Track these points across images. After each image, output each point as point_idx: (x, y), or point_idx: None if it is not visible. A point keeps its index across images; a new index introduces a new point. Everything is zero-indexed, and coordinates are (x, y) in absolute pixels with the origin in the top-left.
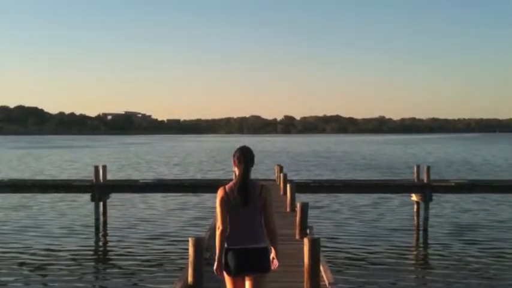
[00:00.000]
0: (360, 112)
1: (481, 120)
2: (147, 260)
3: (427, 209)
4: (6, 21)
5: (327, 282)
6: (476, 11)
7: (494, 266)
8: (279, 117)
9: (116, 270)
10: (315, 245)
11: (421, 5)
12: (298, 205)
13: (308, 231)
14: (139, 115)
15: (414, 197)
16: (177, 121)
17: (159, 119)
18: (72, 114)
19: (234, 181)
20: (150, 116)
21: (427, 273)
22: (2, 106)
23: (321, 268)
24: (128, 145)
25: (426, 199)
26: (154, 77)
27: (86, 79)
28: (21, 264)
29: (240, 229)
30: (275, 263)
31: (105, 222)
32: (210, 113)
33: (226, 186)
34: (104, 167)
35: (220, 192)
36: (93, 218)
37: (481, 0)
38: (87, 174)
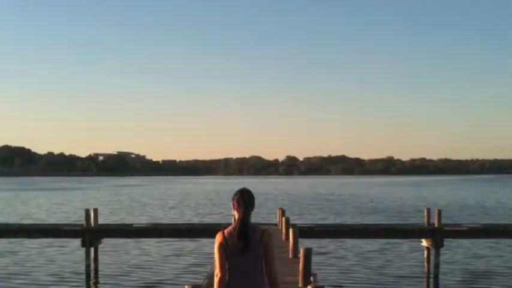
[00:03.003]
0: (366, 152)
1: (496, 160)
2: None
3: (438, 255)
4: None
5: None
6: (491, 47)
7: None
8: (281, 158)
9: None
10: None
11: (429, 37)
12: (301, 251)
13: (312, 278)
14: (133, 155)
15: (424, 243)
16: (173, 162)
17: (154, 159)
18: (61, 155)
19: (233, 225)
20: (144, 157)
21: None
22: None
23: None
24: (120, 187)
25: (437, 244)
26: (148, 115)
27: (76, 117)
28: None
29: (239, 276)
30: None
31: (96, 269)
32: (208, 153)
33: (225, 231)
34: (96, 211)
35: (218, 237)
36: (83, 264)
37: (496, 34)
38: (77, 218)
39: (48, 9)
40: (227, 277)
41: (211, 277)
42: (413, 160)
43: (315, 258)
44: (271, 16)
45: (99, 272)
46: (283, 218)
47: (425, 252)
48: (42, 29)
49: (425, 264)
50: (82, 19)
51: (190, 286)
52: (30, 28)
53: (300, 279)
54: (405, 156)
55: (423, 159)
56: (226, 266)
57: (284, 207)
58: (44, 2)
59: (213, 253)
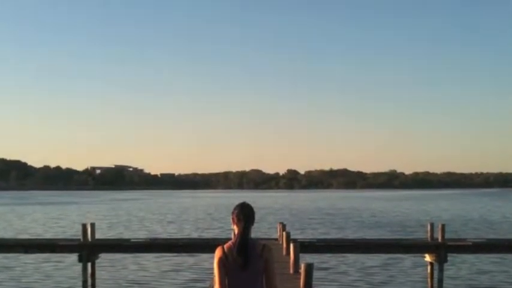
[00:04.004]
0: (369, 166)
1: (500, 174)
2: None
3: (441, 270)
4: None
5: None
6: (494, 57)
7: None
8: (282, 171)
9: None
10: None
11: (431, 49)
12: (302, 266)
13: None
14: (131, 169)
15: (428, 258)
16: (172, 175)
17: (152, 173)
18: (58, 168)
19: (232, 240)
20: (142, 170)
21: None
22: None
23: None
24: (118, 201)
25: (441, 260)
26: (146, 128)
27: (73, 130)
28: None
29: None
30: None
31: (93, 285)
32: (207, 166)
33: (225, 246)
34: (93, 225)
35: (218, 253)
36: (80, 280)
37: (497, 44)
38: (74, 232)
39: (47, 23)
40: None
41: None
42: (416, 173)
43: (316, 274)
44: (271, 29)
45: None
46: (284, 233)
47: (429, 268)
48: (40, 42)
49: (429, 280)
50: (80, 32)
51: None
52: (28, 42)
53: None
54: (408, 170)
55: (427, 173)
56: (226, 282)
57: (285, 222)
58: (43, 16)
59: (212, 268)
